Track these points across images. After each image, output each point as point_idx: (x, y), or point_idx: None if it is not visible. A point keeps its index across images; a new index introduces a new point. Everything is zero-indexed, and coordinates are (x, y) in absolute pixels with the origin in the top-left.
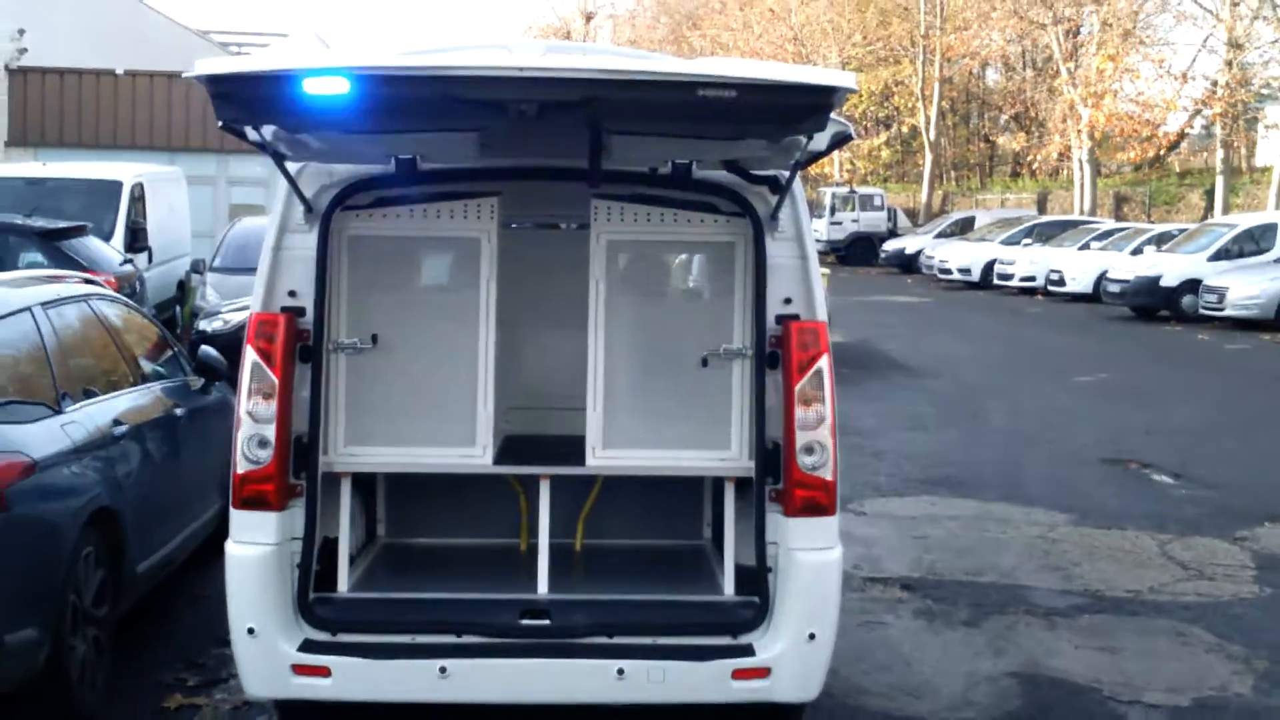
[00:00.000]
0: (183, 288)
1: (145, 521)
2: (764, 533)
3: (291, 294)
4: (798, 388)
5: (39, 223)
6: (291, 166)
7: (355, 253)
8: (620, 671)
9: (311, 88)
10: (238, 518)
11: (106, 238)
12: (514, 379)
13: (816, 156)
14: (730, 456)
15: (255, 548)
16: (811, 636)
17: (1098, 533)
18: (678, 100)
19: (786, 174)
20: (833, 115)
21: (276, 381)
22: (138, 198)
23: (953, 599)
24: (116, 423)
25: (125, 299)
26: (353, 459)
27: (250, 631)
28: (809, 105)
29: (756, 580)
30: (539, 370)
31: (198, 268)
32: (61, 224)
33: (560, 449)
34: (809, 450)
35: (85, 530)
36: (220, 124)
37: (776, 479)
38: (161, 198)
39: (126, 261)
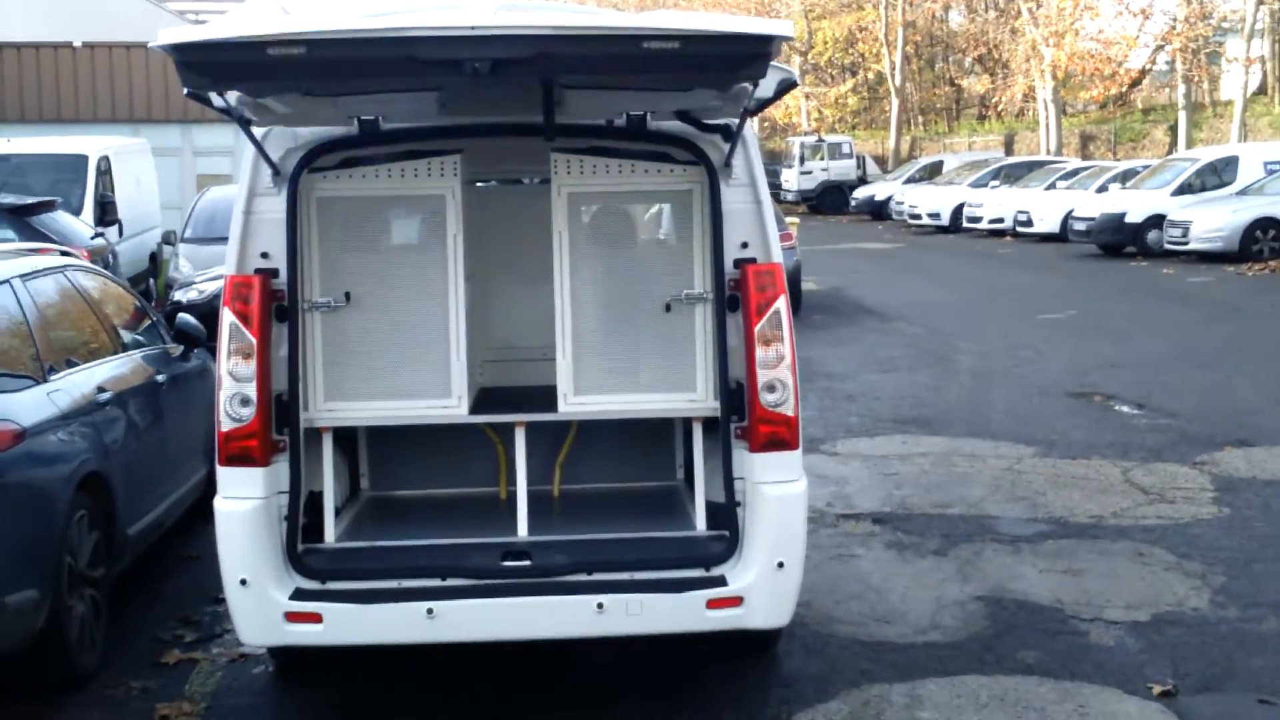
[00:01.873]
0: (155, 260)
1: (134, 485)
2: (731, 469)
3: (264, 256)
4: (757, 328)
5: (7, 199)
6: (257, 131)
7: (324, 213)
8: (600, 606)
9: (275, 53)
10: (224, 474)
11: (76, 212)
12: (486, 332)
13: (765, 104)
14: (697, 398)
15: (243, 502)
16: (780, 565)
17: (1063, 463)
18: (624, 53)
19: (736, 121)
20: (776, 63)
21: (254, 341)
22: (104, 171)
23: (922, 531)
24: (100, 390)
25: (102, 270)
26: (332, 414)
27: (243, 583)
28: (749, 54)
29: (726, 515)
30: (510, 323)
31: (169, 239)
32: (30, 200)
33: (534, 398)
34: (770, 388)
35: (77, 494)
36: (186, 92)
37: (741, 417)
38: (128, 170)
39: (97, 235)
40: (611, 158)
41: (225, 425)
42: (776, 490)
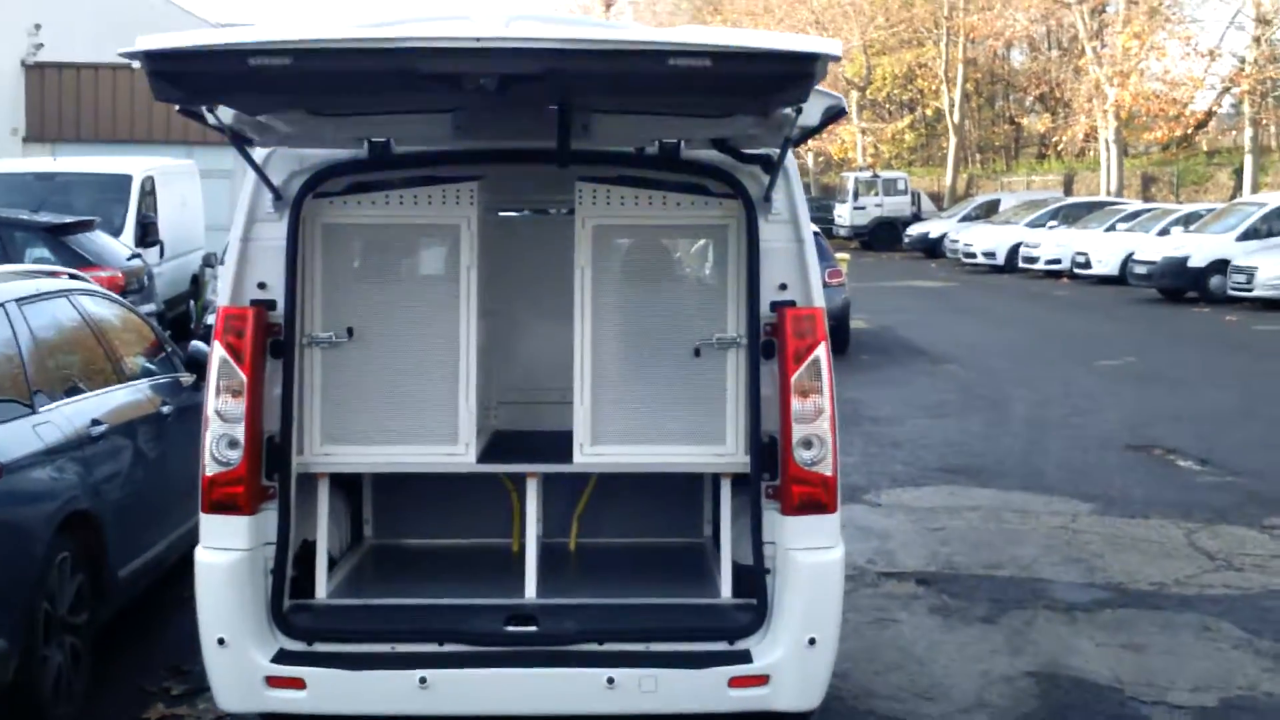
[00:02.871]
0: (196, 282)
1: (128, 524)
2: (760, 532)
3: (261, 286)
4: (794, 378)
5: (45, 218)
6: (258, 154)
7: (328, 242)
8: (610, 680)
9: (257, 63)
10: (207, 523)
11: (116, 233)
12: (502, 372)
13: (810, 133)
14: (725, 452)
15: (225, 554)
16: (812, 641)
17: (1121, 522)
18: (649, 71)
19: (777, 152)
20: (823, 88)
21: (245, 379)
22: (148, 191)
23: (969, 594)
24: (95, 423)
25: (112, 294)
26: (329, 459)
27: (221, 642)
28: (789, 74)
29: (754, 582)
30: (528, 363)
31: (210, 261)
32: (68, 219)
33: (550, 445)
34: (807, 444)
35: (58, 535)
36: (177, 109)
37: (773, 475)
38: (174, 191)
39: (134, 256)
40: (641, 188)
41: (210, 469)
42: (810, 558)
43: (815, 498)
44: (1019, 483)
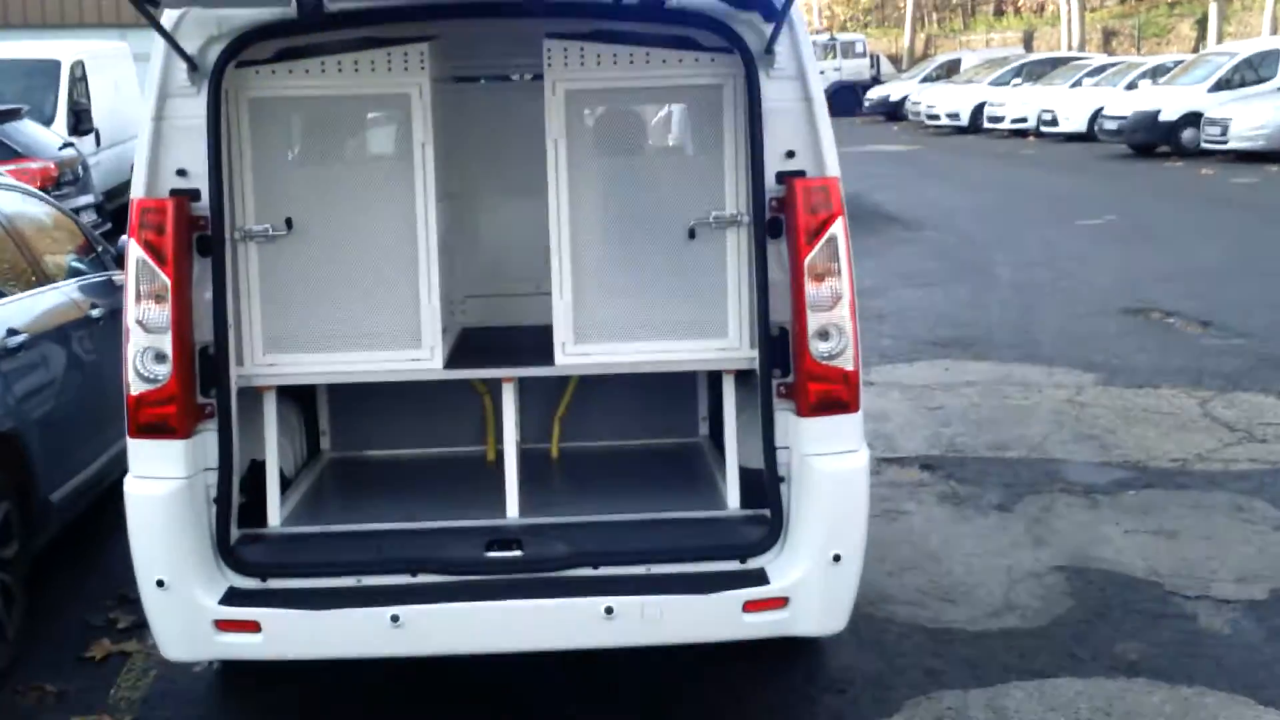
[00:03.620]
0: None
1: (57, 443)
2: (772, 436)
3: (181, 173)
4: (807, 260)
5: None
6: (168, 17)
7: (257, 119)
8: (608, 610)
9: None
10: (136, 449)
11: (47, 121)
12: (469, 263)
13: None
14: (728, 346)
15: (160, 483)
16: (836, 558)
17: (1129, 393)
18: None
19: None
20: None
21: (169, 281)
22: (79, 77)
23: (979, 479)
24: (11, 332)
25: (30, 189)
26: (273, 370)
27: (160, 584)
28: None
29: (766, 491)
30: (498, 251)
31: None
32: None
33: (527, 344)
34: (823, 335)
35: None
36: None
37: (785, 371)
38: (107, 76)
39: (67, 145)
40: (621, 44)
41: (135, 388)
42: (832, 464)
43: (835, 396)
44: (1016, 354)
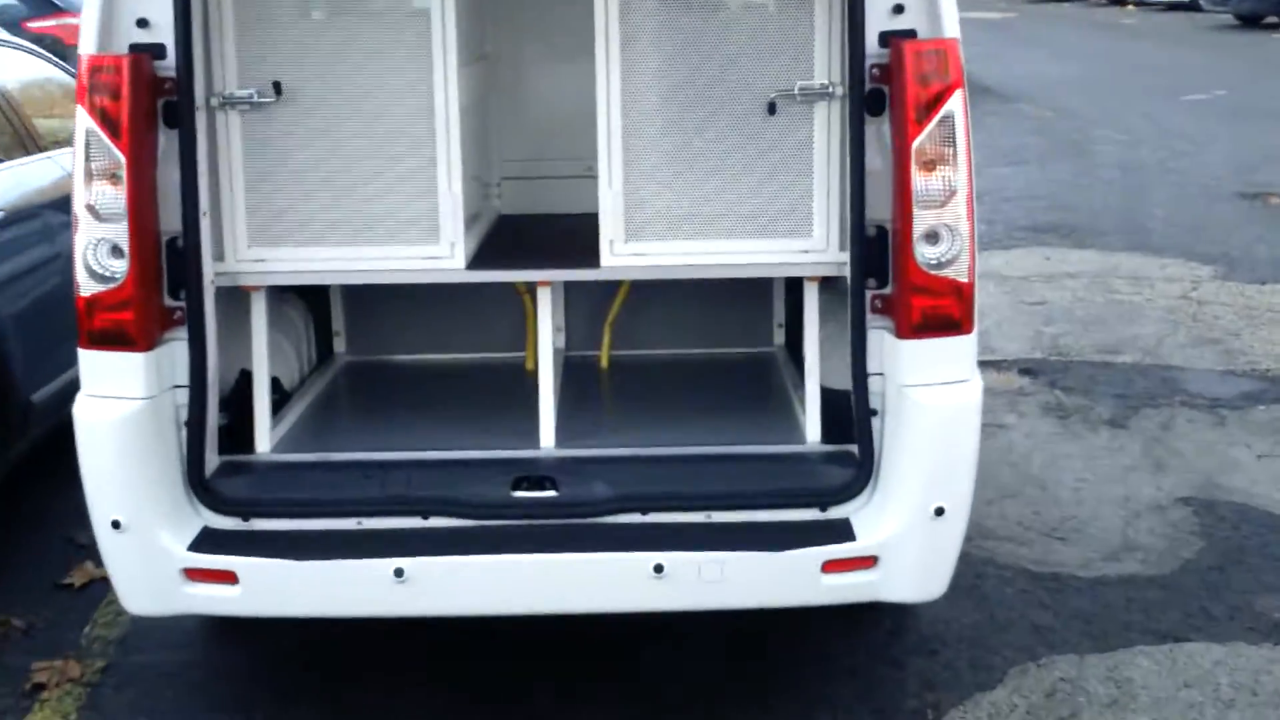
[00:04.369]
0: None
1: (38, 337)
2: (864, 361)
3: (142, 24)
4: (916, 143)
5: None
6: None
7: None
8: (658, 569)
9: None
10: (88, 362)
11: None
12: (508, 139)
13: None
14: (813, 248)
15: (116, 404)
16: (940, 512)
17: (1251, 289)
18: None
19: None
20: None
21: (124, 158)
22: None
23: (1087, 388)
24: None
25: (35, 48)
26: (261, 267)
27: (116, 525)
28: None
29: (855, 425)
30: (543, 125)
31: None
32: None
33: (572, 237)
34: (932, 237)
35: None
36: None
37: (882, 281)
38: None
39: None
40: None
41: (86, 288)
42: (937, 397)
43: (944, 313)
44: (1123, 242)
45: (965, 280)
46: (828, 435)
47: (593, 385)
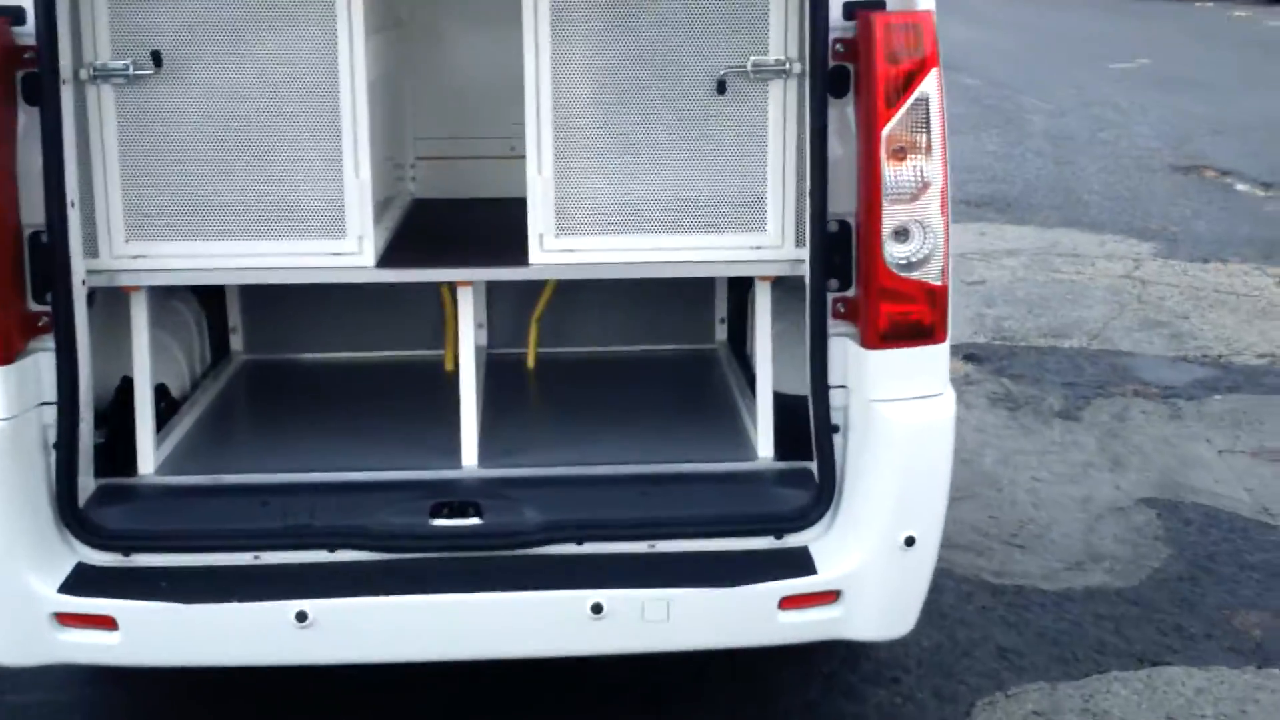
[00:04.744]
0: None
1: None
2: (824, 371)
3: None
4: (886, 130)
5: None
6: None
7: None
8: (596, 609)
9: None
10: None
11: None
12: (423, 116)
13: None
14: (765, 244)
15: None
16: (910, 542)
17: (1195, 268)
18: None
19: None
20: None
21: None
22: None
23: (1036, 376)
24: None
25: None
26: (141, 264)
27: None
28: None
29: (811, 442)
30: (463, 100)
31: None
32: None
33: (496, 226)
34: (903, 235)
35: None
36: None
37: (845, 283)
38: None
39: None
40: None
41: None
42: (908, 414)
43: (915, 320)
44: (1059, 217)
45: (939, 283)
46: (781, 451)
47: (519, 390)
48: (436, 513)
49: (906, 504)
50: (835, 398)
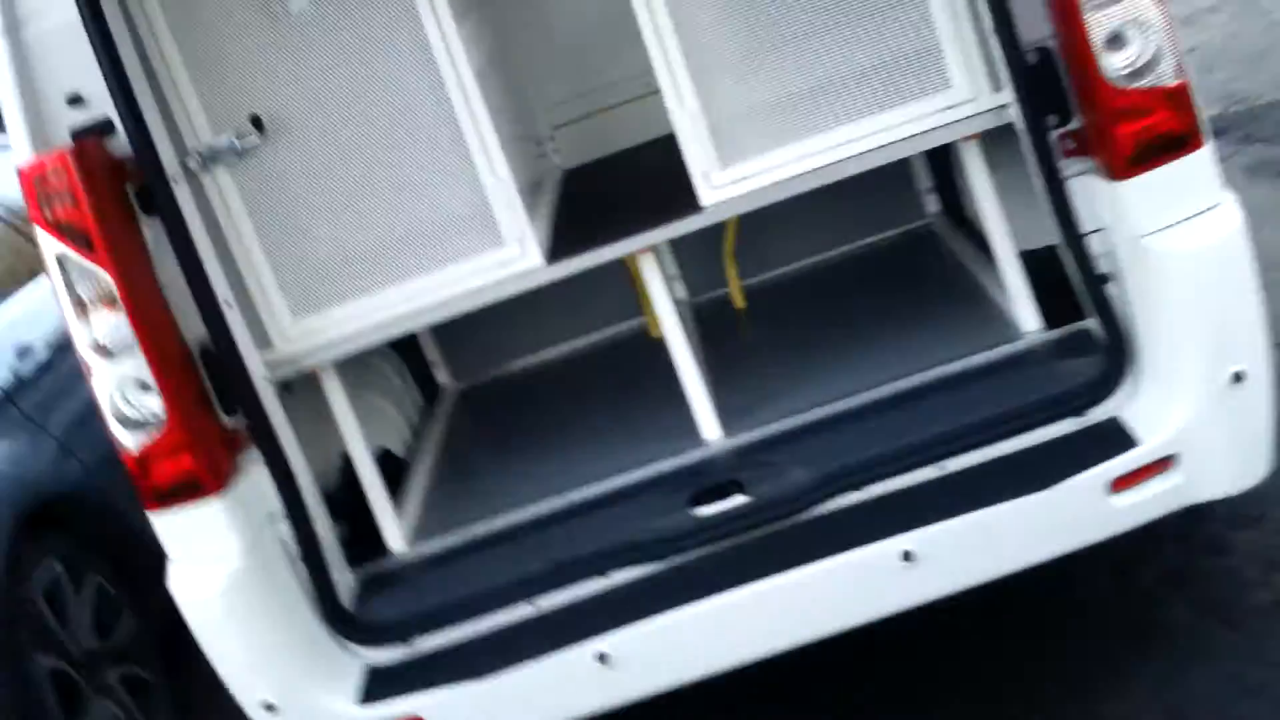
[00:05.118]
0: None
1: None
2: (1073, 221)
3: (75, 101)
4: None
5: None
6: None
7: None
8: (906, 556)
9: None
10: (163, 526)
11: None
12: (545, 81)
13: None
14: (957, 99)
15: (212, 570)
16: (1238, 377)
17: None
18: None
19: None
20: None
21: (109, 275)
22: None
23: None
24: (22, 351)
25: None
26: (317, 339)
27: (270, 709)
28: None
29: (1085, 297)
30: (575, 50)
31: None
32: None
33: (656, 176)
34: (1117, 42)
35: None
36: None
37: (1066, 115)
38: None
39: None
40: None
41: (129, 441)
42: (1189, 238)
43: (1163, 132)
44: None
45: (1176, 82)
46: (1049, 319)
47: (737, 337)
48: (699, 502)
49: (1220, 336)
50: (1094, 243)
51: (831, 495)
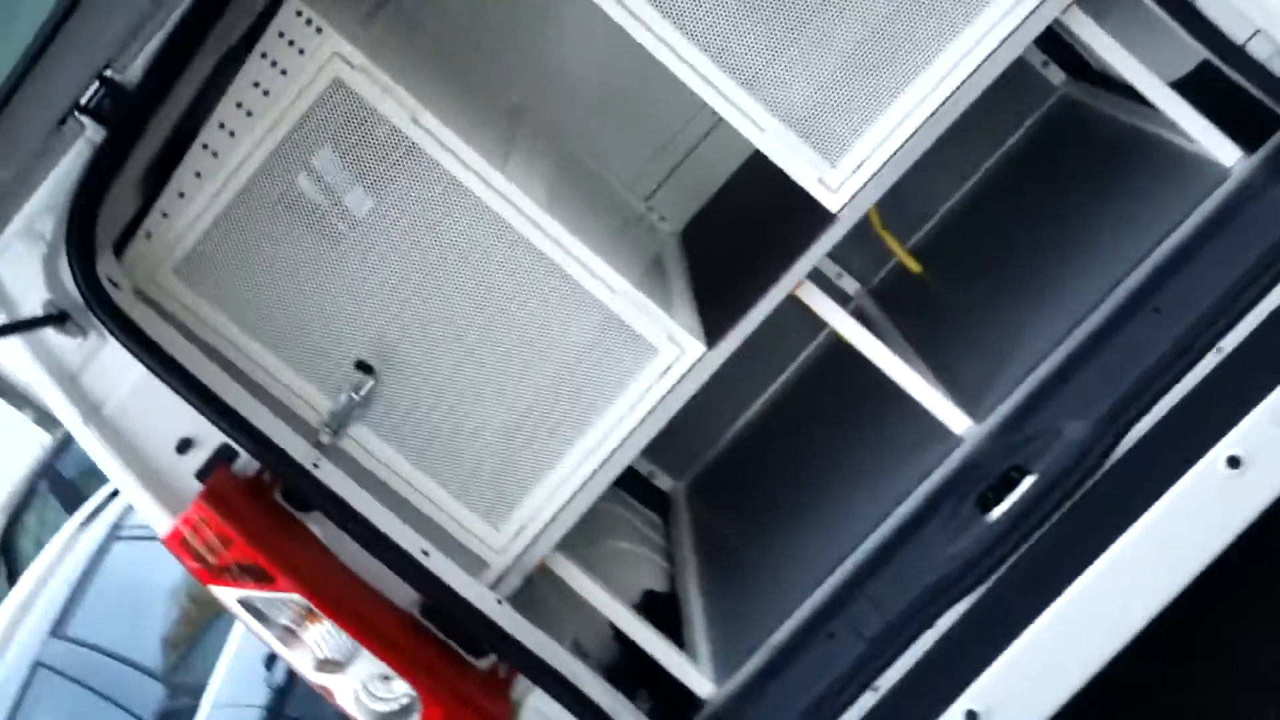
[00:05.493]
0: None
1: None
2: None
3: (185, 446)
4: None
5: None
6: None
7: (191, 274)
8: (1233, 462)
9: None
10: None
11: None
12: (615, 152)
13: None
14: None
15: None
16: None
17: None
18: None
19: None
20: None
21: (298, 594)
22: None
23: None
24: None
25: None
26: (529, 534)
27: None
28: None
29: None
30: (629, 109)
31: None
32: None
33: (764, 201)
34: None
35: None
36: None
37: None
38: None
39: None
40: None
41: None
42: None
43: None
44: None
45: None
46: (1244, 142)
47: (928, 304)
48: (985, 505)
49: None
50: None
51: (1122, 435)
